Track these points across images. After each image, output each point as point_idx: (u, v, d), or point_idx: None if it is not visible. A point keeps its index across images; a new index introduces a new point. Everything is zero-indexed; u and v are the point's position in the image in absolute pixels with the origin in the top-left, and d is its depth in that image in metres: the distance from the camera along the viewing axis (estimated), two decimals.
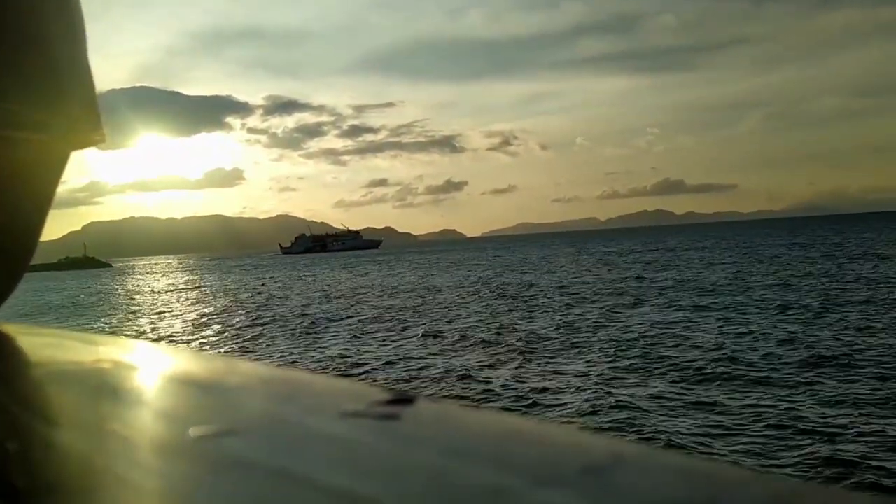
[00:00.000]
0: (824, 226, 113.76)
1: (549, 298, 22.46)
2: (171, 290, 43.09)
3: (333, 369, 12.68)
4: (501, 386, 10.23)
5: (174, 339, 19.24)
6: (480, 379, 10.83)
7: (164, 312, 27.51)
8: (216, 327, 20.80)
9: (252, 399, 0.46)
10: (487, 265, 48.14)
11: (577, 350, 12.85)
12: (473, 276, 37.11)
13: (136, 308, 31.15)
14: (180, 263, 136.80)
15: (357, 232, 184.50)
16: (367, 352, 14.29)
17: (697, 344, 12.64)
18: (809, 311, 15.87)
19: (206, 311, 26.62)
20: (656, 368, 10.84)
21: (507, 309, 20.24)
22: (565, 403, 9.05)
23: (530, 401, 9.27)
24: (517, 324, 16.76)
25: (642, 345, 12.88)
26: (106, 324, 24.84)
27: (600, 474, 0.29)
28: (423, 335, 15.73)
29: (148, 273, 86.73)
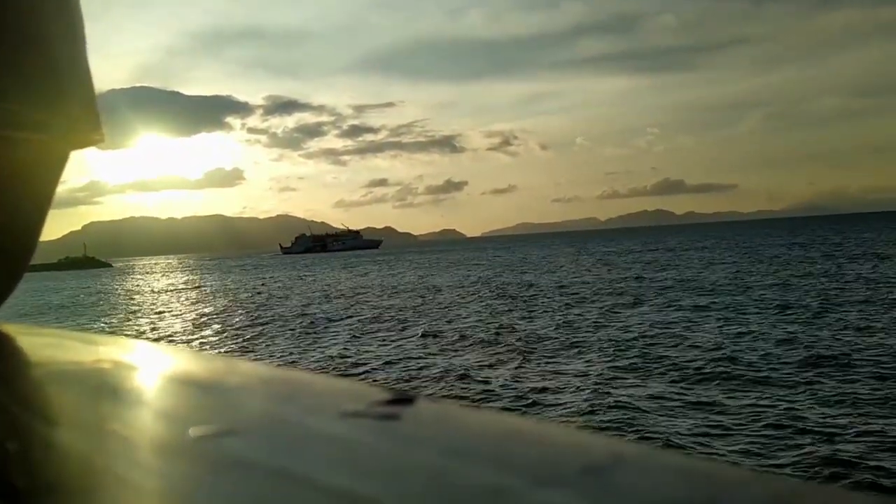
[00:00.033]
0: (824, 226, 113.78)
1: (548, 298, 22.47)
2: (171, 290, 43.09)
3: (333, 369, 12.68)
4: (501, 386, 10.23)
5: (174, 339, 19.24)
6: (480, 379, 10.84)
7: (164, 312, 27.51)
8: (216, 327, 20.80)
9: (252, 399, 0.46)
10: (487, 265, 48.15)
11: (576, 350, 12.86)
12: (473, 275, 37.11)
13: (136, 308, 31.15)
14: (180, 263, 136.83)
15: (357, 232, 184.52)
16: (367, 352, 14.29)
17: (697, 344, 12.64)
18: (809, 311, 15.87)
19: (206, 310, 26.62)
20: (656, 368, 10.84)
21: (506, 309, 20.24)
22: (565, 403, 9.05)
23: (530, 401, 9.27)
24: (517, 324, 16.76)
25: (642, 345, 12.88)
26: (106, 324, 24.84)
27: (600, 474, 0.29)
28: (422, 335, 15.73)
29: (148, 273, 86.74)
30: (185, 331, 20.75)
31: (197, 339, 18.80)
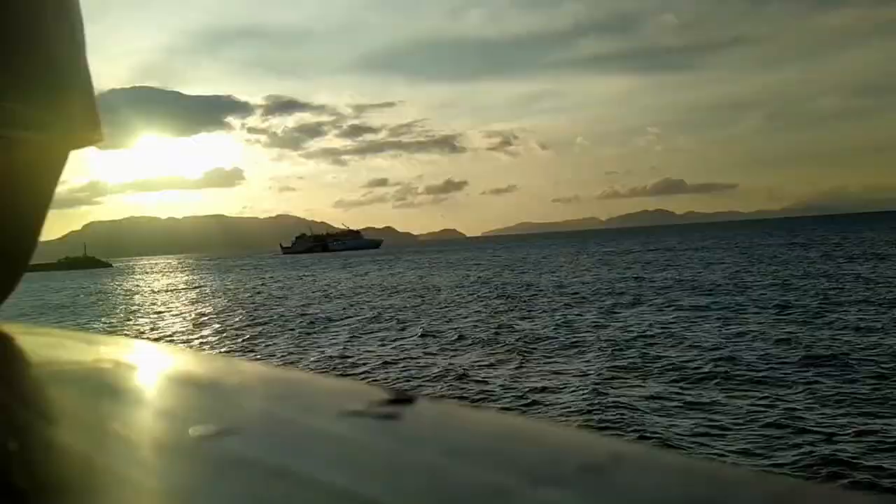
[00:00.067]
0: (824, 226, 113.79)
1: (548, 298, 22.47)
2: (171, 290, 43.09)
3: (333, 369, 12.68)
4: (501, 386, 10.23)
5: (174, 339, 19.24)
6: (480, 379, 10.84)
7: (164, 312, 27.51)
8: (216, 327, 20.80)
9: (252, 399, 0.46)
10: (487, 265, 48.14)
11: (576, 350, 12.85)
12: (473, 275, 37.11)
13: (136, 308, 31.15)
14: (180, 263, 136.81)
15: (357, 232, 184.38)
16: (366, 352, 14.29)
17: (696, 344, 12.64)
18: (808, 311, 15.88)
19: (206, 310, 26.61)
20: (655, 368, 10.84)
21: (506, 308, 20.24)
22: (564, 403, 9.05)
23: (530, 400, 9.26)
24: (516, 323, 16.77)
25: (641, 344, 12.88)
26: (106, 323, 24.83)
27: (600, 474, 0.29)
28: (422, 335, 15.73)
29: (148, 273, 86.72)
30: (185, 331, 20.74)
31: (197, 338, 18.80)
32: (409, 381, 11.13)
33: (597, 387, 9.67)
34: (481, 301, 22.94)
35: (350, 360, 13.54)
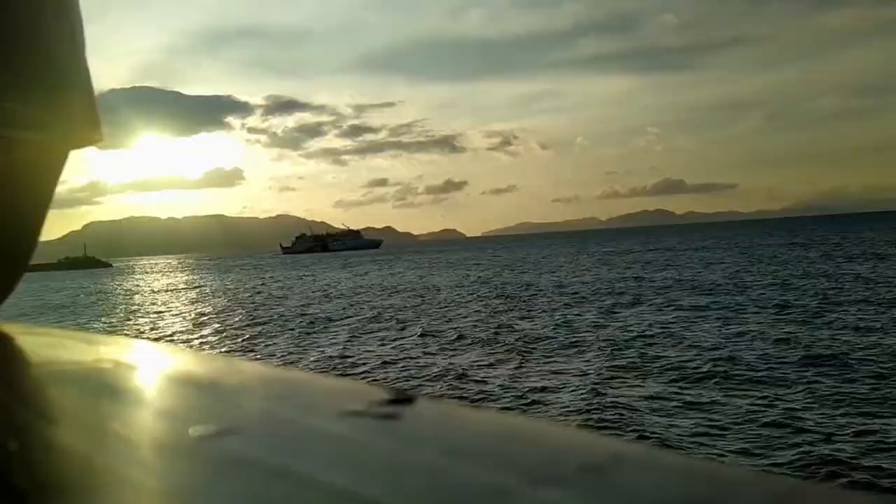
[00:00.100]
0: (824, 226, 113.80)
1: (548, 298, 22.47)
2: (171, 290, 43.09)
3: (333, 369, 12.68)
4: (500, 385, 10.23)
5: (174, 339, 19.24)
6: (479, 378, 10.83)
7: (164, 312, 27.51)
8: (216, 327, 20.79)
9: (252, 399, 0.46)
10: (487, 265, 48.14)
11: (575, 349, 12.85)
12: (473, 275, 37.11)
13: (136, 307, 31.15)
14: (180, 263, 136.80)
15: (357, 232, 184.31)
16: (366, 351, 14.29)
17: (696, 343, 12.64)
18: (808, 311, 15.88)
19: (206, 310, 26.61)
20: (655, 368, 10.84)
21: (506, 308, 20.24)
22: (564, 403, 9.05)
23: (529, 400, 9.27)
24: (516, 323, 16.77)
25: (641, 344, 12.88)
26: (106, 323, 24.83)
27: (600, 474, 0.29)
28: (422, 334, 15.73)
29: (148, 273, 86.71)
30: (185, 331, 20.74)
31: (197, 338, 18.79)
32: (409, 381, 11.13)
33: (596, 387, 9.67)
34: (481, 301, 22.94)
35: (350, 359, 13.54)
